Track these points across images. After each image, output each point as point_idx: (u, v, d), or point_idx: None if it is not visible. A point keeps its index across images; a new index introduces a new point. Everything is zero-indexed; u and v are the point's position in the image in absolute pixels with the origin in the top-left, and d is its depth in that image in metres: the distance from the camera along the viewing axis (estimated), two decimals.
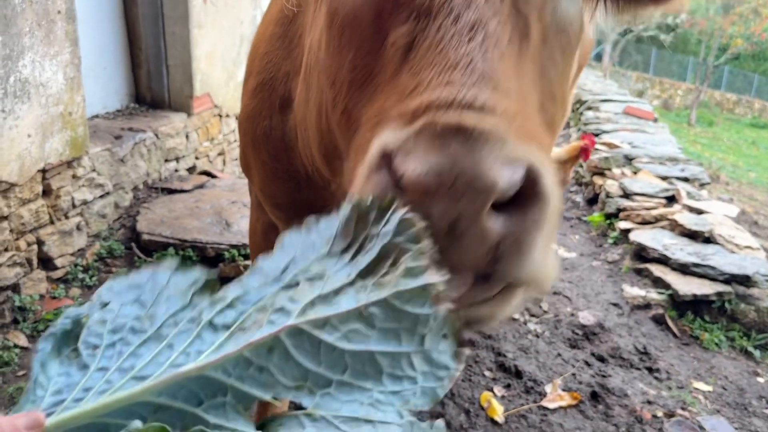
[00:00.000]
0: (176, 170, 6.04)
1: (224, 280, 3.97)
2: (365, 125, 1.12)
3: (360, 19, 1.20)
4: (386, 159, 0.91)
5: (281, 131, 2.03)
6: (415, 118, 0.93)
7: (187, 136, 6.18)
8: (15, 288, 3.95)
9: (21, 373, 3.53)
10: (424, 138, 0.88)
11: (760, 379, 4.22)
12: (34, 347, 3.70)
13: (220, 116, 6.85)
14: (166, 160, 5.85)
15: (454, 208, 0.82)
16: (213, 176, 6.30)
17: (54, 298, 4.15)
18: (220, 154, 7.00)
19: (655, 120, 11.86)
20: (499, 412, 3.47)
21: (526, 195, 0.87)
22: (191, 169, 6.33)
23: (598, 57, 30.15)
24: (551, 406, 3.60)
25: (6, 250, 3.85)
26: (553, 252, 0.98)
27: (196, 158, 6.43)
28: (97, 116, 5.56)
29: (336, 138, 1.37)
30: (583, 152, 6.88)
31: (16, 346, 3.68)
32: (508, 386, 3.77)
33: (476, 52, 0.98)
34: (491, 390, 3.69)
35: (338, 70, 1.28)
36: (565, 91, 1.32)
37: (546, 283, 0.94)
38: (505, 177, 0.84)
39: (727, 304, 4.72)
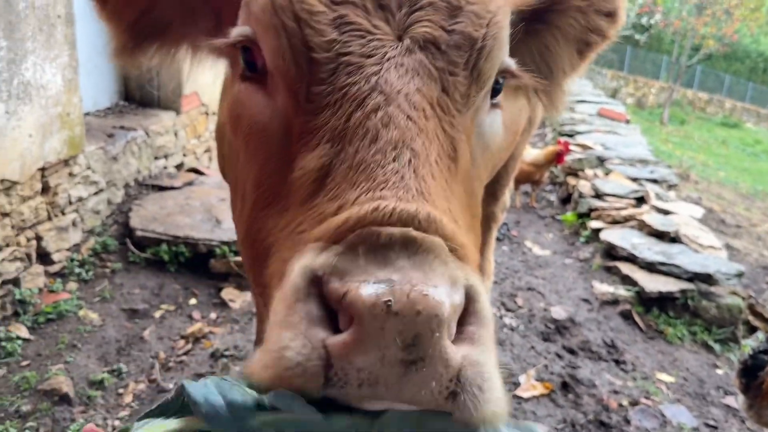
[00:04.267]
0: (165, 167, 6.20)
1: (215, 275, 4.19)
2: (279, 249, 0.98)
3: (267, 134, 1.09)
4: (315, 285, 0.76)
5: None
6: (344, 235, 0.80)
7: (175, 134, 6.34)
8: (15, 282, 4.11)
9: (24, 363, 3.70)
10: (361, 253, 0.76)
11: (719, 371, 4.53)
12: (35, 338, 3.88)
13: (207, 114, 7.01)
14: (156, 158, 6.01)
15: (412, 328, 0.69)
16: (201, 173, 6.47)
17: (52, 291, 4.32)
18: (207, 150, 7.16)
19: (627, 122, 12.27)
20: None
21: (468, 317, 0.79)
22: (179, 166, 6.49)
23: None
24: (525, 395, 3.87)
25: (7, 245, 4.01)
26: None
27: (184, 155, 6.59)
28: (88, 114, 5.69)
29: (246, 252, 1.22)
30: (559, 157, 7.20)
31: (18, 337, 3.85)
32: None
33: (406, 170, 0.88)
34: None
35: (244, 181, 1.18)
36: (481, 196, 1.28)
37: (499, 420, 0.78)
38: (456, 297, 0.75)
39: (690, 301, 5.03)
